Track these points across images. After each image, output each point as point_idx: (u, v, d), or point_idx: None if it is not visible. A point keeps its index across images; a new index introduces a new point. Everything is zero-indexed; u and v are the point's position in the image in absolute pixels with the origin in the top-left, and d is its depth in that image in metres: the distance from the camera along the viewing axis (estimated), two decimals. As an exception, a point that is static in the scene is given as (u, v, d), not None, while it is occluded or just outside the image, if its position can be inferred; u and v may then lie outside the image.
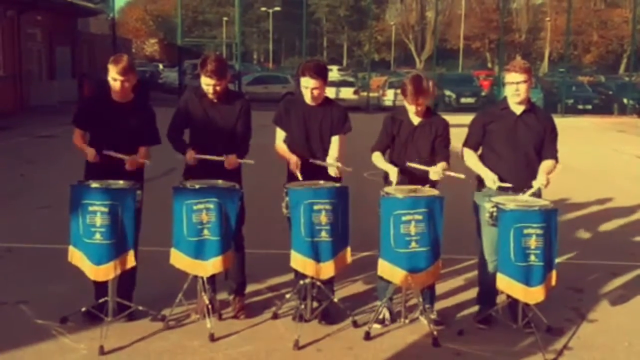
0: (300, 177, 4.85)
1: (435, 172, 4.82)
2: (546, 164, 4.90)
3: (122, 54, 4.99)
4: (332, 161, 4.94)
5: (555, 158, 4.97)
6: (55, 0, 26.46)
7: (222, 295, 5.22)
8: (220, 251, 4.63)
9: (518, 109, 4.94)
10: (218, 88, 4.93)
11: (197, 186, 4.69)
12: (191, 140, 5.11)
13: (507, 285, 4.52)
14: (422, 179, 4.87)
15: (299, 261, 4.66)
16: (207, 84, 4.91)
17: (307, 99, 5.06)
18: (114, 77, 4.82)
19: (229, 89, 5.20)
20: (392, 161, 5.06)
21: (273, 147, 5.19)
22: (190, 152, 4.93)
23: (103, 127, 4.92)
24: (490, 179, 4.78)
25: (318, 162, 4.93)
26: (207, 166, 4.88)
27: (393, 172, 4.87)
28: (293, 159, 4.95)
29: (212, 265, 4.65)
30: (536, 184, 4.77)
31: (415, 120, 5.03)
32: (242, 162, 5.00)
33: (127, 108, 4.95)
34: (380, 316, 4.96)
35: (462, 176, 4.74)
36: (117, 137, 4.85)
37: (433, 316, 4.97)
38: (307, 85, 4.99)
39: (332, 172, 4.92)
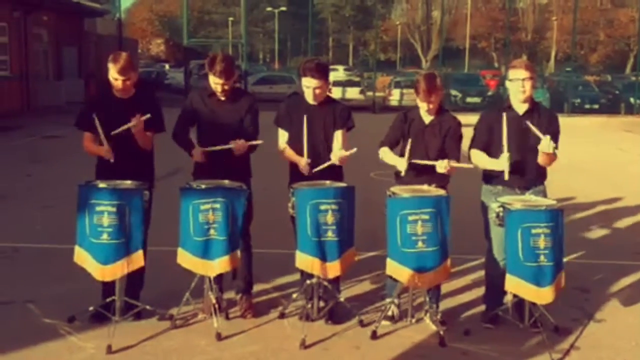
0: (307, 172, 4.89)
1: (441, 165, 4.77)
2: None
3: (120, 52, 4.95)
4: (335, 152, 4.93)
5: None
6: (61, 1, 26.56)
7: (229, 295, 5.23)
8: (227, 251, 4.64)
9: (521, 108, 4.92)
10: (226, 87, 4.96)
11: (203, 186, 4.71)
12: (199, 139, 5.12)
13: (516, 286, 4.50)
14: (430, 174, 4.86)
15: (305, 261, 4.65)
16: (216, 82, 4.94)
17: (310, 98, 5.07)
18: (115, 76, 4.81)
19: (237, 87, 5.20)
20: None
21: (277, 148, 5.19)
22: (196, 149, 4.95)
23: (108, 125, 4.91)
24: (504, 165, 4.69)
25: (322, 166, 4.92)
26: (216, 166, 4.90)
27: (401, 162, 4.86)
28: (302, 162, 4.95)
29: (218, 265, 4.66)
30: (545, 148, 4.66)
31: (427, 119, 5.03)
32: (251, 144, 4.94)
33: (130, 103, 4.94)
34: (389, 313, 4.97)
35: (470, 165, 4.69)
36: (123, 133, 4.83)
37: (437, 316, 4.97)
38: (309, 85, 5.00)
39: (336, 160, 4.92)
